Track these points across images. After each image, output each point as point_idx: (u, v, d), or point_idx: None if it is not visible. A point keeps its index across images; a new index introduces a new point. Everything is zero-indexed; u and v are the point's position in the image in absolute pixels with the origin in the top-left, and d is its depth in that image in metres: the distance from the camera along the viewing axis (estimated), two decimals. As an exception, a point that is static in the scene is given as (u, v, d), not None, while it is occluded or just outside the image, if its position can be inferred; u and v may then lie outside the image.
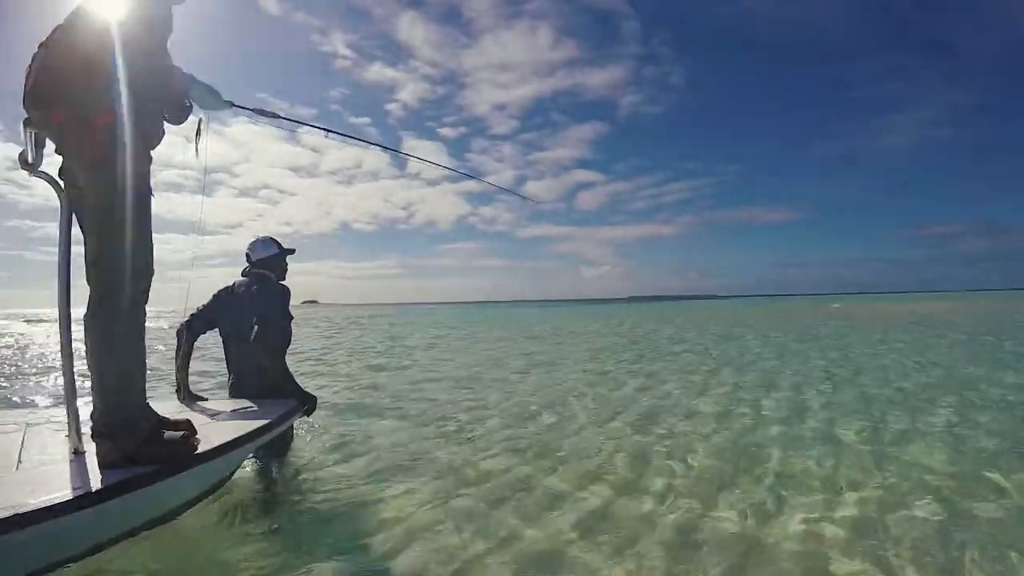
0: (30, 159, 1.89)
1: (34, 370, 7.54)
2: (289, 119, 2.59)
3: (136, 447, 1.64)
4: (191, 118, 2.00)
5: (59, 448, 1.90)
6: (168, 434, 1.78)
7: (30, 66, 1.72)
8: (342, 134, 3.03)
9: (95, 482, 1.59)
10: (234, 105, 2.11)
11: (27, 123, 1.74)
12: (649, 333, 13.80)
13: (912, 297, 73.73)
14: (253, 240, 3.00)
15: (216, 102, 2.03)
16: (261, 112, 2.32)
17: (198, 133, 2.04)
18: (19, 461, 1.79)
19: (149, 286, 1.75)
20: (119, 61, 1.66)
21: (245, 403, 2.58)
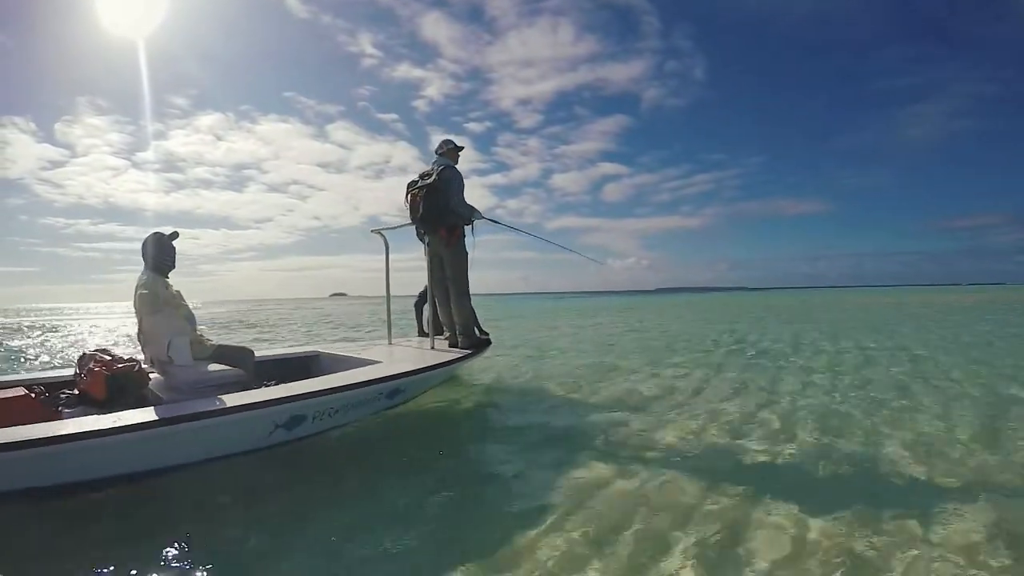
0: (384, 232, 4.56)
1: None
2: (515, 227, 4.99)
3: (473, 342, 4.24)
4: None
5: (408, 349, 4.26)
6: (482, 337, 4.40)
7: (409, 199, 4.23)
8: (555, 243, 5.41)
9: (458, 353, 3.97)
10: (484, 217, 4.21)
11: (414, 223, 4.20)
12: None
13: (964, 289, 67.46)
14: None
15: (480, 217, 4.20)
16: (495, 221, 4.42)
17: (472, 231, 4.23)
18: (394, 357, 3.76)
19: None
20: (456, 201, 4.03)
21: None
